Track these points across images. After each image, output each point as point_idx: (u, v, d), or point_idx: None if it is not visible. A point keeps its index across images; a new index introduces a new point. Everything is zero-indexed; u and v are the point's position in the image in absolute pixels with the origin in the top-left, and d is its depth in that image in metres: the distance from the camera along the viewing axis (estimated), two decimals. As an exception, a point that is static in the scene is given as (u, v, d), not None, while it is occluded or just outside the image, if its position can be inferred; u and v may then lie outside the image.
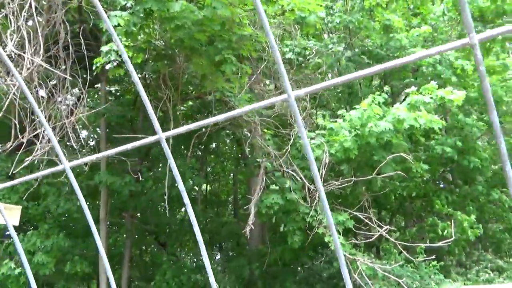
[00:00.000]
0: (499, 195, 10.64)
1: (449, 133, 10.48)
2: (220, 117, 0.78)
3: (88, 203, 11.73)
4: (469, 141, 10.11)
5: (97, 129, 11.89)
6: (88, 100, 11.49)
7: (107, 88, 11.36)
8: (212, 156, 17.47)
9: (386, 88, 9.01)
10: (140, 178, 9.65)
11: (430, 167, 9.29)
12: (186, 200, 0.85)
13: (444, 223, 9.18)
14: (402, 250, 7.71)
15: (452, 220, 8.65)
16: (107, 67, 9.20)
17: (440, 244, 7.70)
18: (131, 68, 0.82)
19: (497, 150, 11.07)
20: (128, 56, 6.51)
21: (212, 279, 0.80)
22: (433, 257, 8.07)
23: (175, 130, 0.89)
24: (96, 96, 13.17)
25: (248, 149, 13.78)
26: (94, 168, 10.60)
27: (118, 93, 12.87)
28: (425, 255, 8.53)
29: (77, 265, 9.06)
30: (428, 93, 7.77)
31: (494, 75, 11.15)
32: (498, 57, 11.90)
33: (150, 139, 0.89)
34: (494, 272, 10.25)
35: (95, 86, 11.87)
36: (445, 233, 8.54)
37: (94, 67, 6.65)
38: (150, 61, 7.31)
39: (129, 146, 0.87)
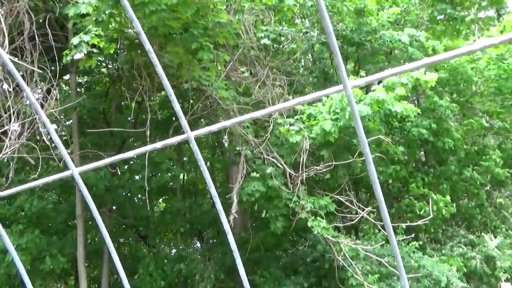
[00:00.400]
0: (471, 173, 11.04)
1: (423, 116, 10.74)
2: (257, 114, 0.72)
3: (62, 199, 11.38)
4: (443, 122, 10.40)
5: (67, 122, 11.47)
6: (56, 92, 11.01)
7: (77, 80, 10.93)
8: (187, 145, 17.25)
9: (362, 73, 9.09)
10: (118, 172, 9.40)
11: (407, 149, 9.52)
12: (219, 206, 0.79)
13: (421, 203, 9.48)
14: (383, 230, 7.90)
15: (430, 199, 8.92)
16: (76, 57, 8.84)
17: (419, 222, 7.95)
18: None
19: (469, 130, 11.44)
20: (100, 47, 6.24)
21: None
22: (412, 235, 8.32)
23: (203, 129, 0.83)
24: (66, 88, 12.66)
25: (225, 137, 13.67)
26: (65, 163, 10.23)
27: (87, 85, 12.42)
28: (404, 235, 8.78)
29: (54, 262, 8.80)
30: (403, 75, 7.95)
31: (464, 56, 11.44)
32: (468, 38, 12.23)
33: (178, 138, 0.82)
34: (467, 247, 10.71)
35: (64, 77, 11.40)
36: (421, 212, 8.81)
37: (64, 60, 6.34)
38: (123, 51, 7.05)
39: (158, 144, 0.80)
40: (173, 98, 0.76)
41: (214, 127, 0.81)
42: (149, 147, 0.87)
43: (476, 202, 11.68)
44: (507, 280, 9.48)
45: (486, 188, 12.89)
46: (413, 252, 8.98)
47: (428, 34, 10.71)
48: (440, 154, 11.21)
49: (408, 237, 8.30)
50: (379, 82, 8.32)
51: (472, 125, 10.99)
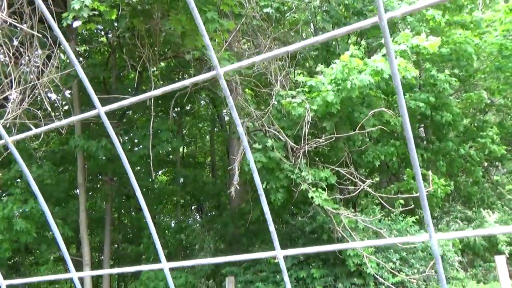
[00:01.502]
0: (466, 151, 11.06)
1: (422, 90, 10.68)
2: (289, 48, 0.71)
3: (64, 168, 11.43)
4: (442, 96, 10.36)
5: (67, 92, 11.38)
6: (56, 59, 10.85)
7: (76, 49, 10.77)
8: (187, 118, 17.22)
9: (363, 42, 8.97)
10: (119, 141, 9.39)
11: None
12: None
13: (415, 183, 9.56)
14: (383, 203, 8.01)
15: (430, 175, 8.99)
16: (75, 24, 8.66)
17: (415, 194, 8.04)
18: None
19: (469, 103, 11.36)
20: (100, 12, 6.07)
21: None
22: (410, 207, 8.44)
23: (233, 65, 0.82)
24: (64, 57, 12.48)
25: (225, 110, 13.58)
26: (68, 132, 10.23)
27: (87, 54, 12.26)
28: (401, 209, 8.91)
29: (59, 229, 8.93)
30: (403, 42, 7.87)
31: (468, 30, 11.31)
32: (471, 13, 12.00)
33: (208, 75, 0.81)
34: (463, 222, 10.88)
35: (62, 46, 11.22)
36: (417, 193, 8.88)
37: (63, 23, 6.21)
38: (125, 18, 6.90)
39: (187, 82, 0.79)
40: (204, 32, 0.75)
41: (244, 63, 0.80)
42: (176, 84, 0.86)
43: (474, 179, 11.78)
44: (499, 253, 9.69)
45: (484, 165, 12.98)
46: (410, 226, 9.14)
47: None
48: (440, 129, 11.22)
49: (405, 209, 8.42)
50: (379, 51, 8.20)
51: (472, 99, 10.96)
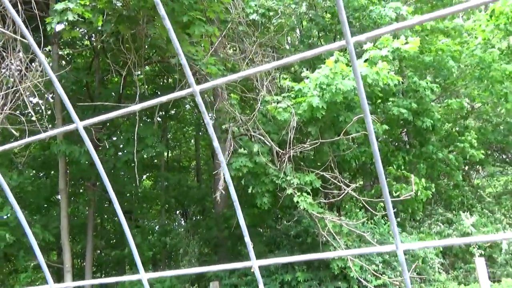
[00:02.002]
0: (445, 155, 11.23)
1: (405, 96, 10.89)
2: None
3: (45, 174, 11.24)
4: (424, 103, 10.59)
5: (48, 96, 11.21)
6: (36, 64, 10.69)
7: (59, 52, 10.63)
8: (172, 122, 17.13)
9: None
10: (101, 146, 9.30)
11: (389, 127, 9.68)
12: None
13: (398, 185, 9.78)
14: (367, 206, 8.11)
15: (412, 177, 9.14)
16: (58, 28, 8.56)
17: (401, 198, 8.18)
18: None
19: (450, 110, 11.64)
20: (84, 17, 6.02)
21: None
22: (393, 211, 8.55)
23: (208, 84, 0.85)
24: (47, 60, 12.30)
25: (211, 115, 13.58)
26: (50, 137, 10.08)
27: (70, 57, 12.11)
28: (384, 212, 9.04)
29: (38, 234, 8.77)
30: (384, 46, 8.05)
31: (449, 38, 11.60)
32: (452, 20, 12.29)
33: (183, 92, 0.84)
34: (444, 225, 11.09)
35: (46, 49, 11.07)
36: (397, 194, 9.04)
37: (48, 28, 6.15)
38: (110, 23, 6.85)
39: (164, 98, 0.82)
40: (180, 52, 0.78)
41: (219, 81, 0.83)
42: (155, 100, 0.88)
43: (453, 182, 12.02)
44: (481, 255, 9.91)
45: (465, 168, 13.26)
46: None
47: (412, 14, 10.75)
48: (422, 134, 11.44)
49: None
50: (362, 56, 8.33)
51: (452, 106, 11.21)
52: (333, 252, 0.78)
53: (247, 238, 0.87)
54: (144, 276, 0.91)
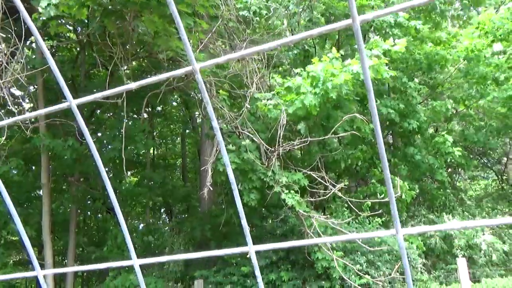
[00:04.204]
0: (423, 156, 11.20)
1: (392, 97, 11.01)
2: (264, 47, 0.72)
3: (27, 168, 10.99)
4: (411, 104, 10.71)
5: (31, 87, 10.96)
6: (21, 56, 10.43)
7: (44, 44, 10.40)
8: (159, 119, 16.97)
9: (342, 52, 9.18)
10: (83, 142, 9.13)
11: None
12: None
13: (383, 188, 9.90)
14: (352, 207, 8.17)
15: (398, 180, 9.25)
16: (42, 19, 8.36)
17: (386, 199, 8.26)
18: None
19: (435, 112, 11.79)
20: (69, 13, 5.88)
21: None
22: (378, 212, 8.65)
23: (209, 61, 0.83)
24: (29, 53, 12.03)
25: (198, 113, 13.49)
26: (32, 130, 9.85)
27: (54, 50, 11.85)
28: (369, 212, 9.12)
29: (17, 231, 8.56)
30: (375, 47, 8.13)
31: (439, 45, 11.81)
32: (442, 30, 12.50)
33: (183, 70, 0.81)
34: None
35: (28, 41, 10.82)
36: (382, 196, 9.14)
37: (35, 24, 5.99)
38: (95, 17, 6.73)
39: (163, 76, 0.79)
40: (182, 31, 0.75)
41: (220, 59, 0.80)
42: (152, 79, 0.85)
43: (436, 181, 12.19)
44: (463, 256, 10.09)
45: (448, 171, 13.47)
46: (376, 228, 9.37)
47: (409, 14, 10.87)
48: (407, 135, 11.58)
49: (373, 213, 8.63)
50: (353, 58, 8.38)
51: (437, 108, 11.34)
52: (329, 238, 0.77)
53: (243, 221, 0.85)
54: (136, 262, 0.88)
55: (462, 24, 13.43)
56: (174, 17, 0.79)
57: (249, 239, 0.83)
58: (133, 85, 0.90)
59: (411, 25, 9.84)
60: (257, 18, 9.06)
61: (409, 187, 10.08)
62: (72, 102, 0.88)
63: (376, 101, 10.44)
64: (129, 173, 16.52)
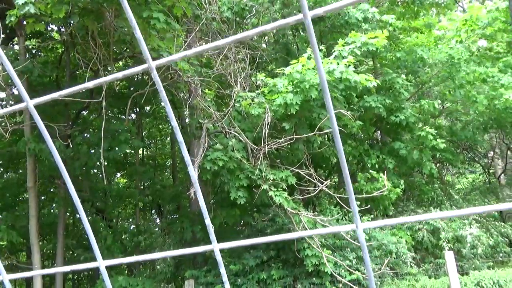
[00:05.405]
0: (408, 150, 11.22)
1: (380, 93, 11.08)
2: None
3: (12, 171, 10.84)
4: (398, 100, 10.79)
5: (14, 89, 10.78)
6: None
7: (27, 44, 10.26)
8: (147, 119, 16.85)
9: (322, 47, 9.19)
10: (71, 144, 9.04)
11: (363, 126, 9.83)
12: (180, 138, 0.79)
13: (370, 186, 9.98)
14: (341, 203, 8.21)
15: (385, 176, 9.32)
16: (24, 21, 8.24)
17: (374, 194, 8.33)
18: None
19: (423, 109, 11.90)
20: (45, 11, 5.79)
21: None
22: (367, 207, 8.72)
23: (165, 59, 0.82)
24: (10, 53, 11.83)
25: (187, 112, 13.45)
26: (16, 133, 9.72)
27: (38, 50, 11.68)
28: (358, 208, 9.18)
29: (4, 236, 8.44)
30: (353, 42, 8.22)
31: (422, 34, 11.93)
32: (425, 20, 12.61)
33: (139, 68, 0.80)
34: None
35: (11, 42, 10.67)
36: (372, 192, 9.21)
37: (7, 21, 5.91)
38: (76, 16, 6.63)
39: (119, 74, 0.78)
40: (134, 24, 0.74)
41: (174, 57, 0.79)
42: (109, 77, 0.84)
43: (425, 174, 12.29)
44: (450, 249, 10.22)
45: (436, 166, 13.60)
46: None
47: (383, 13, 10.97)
48: (394, 130, 11.67)
49: (362, 208, 8.69)
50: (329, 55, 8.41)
51: (424, 107, 11.44)
52: (297, 233, 0.77)
53: (207, 221, 0.85)
54: (102, 263, 0.87)
55: (442, 11, 13.52)
56: (125, 12, 0.78)
57: (213, 237, 0.83)
58: (90, 84, 0.88)
59: (385, 19, 9.92)
60: (239, 18, 9.05)
61: (393, 182, 10.18)
62: (29, 102, 0.87)
63: (363, 99, 10.49)
64: (118, 174, 16.40)
